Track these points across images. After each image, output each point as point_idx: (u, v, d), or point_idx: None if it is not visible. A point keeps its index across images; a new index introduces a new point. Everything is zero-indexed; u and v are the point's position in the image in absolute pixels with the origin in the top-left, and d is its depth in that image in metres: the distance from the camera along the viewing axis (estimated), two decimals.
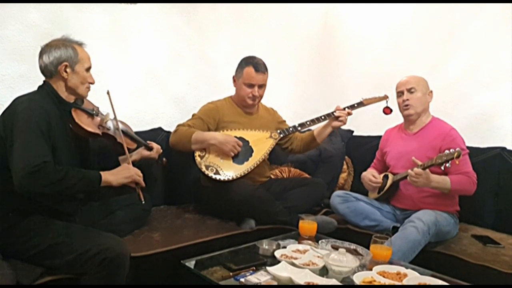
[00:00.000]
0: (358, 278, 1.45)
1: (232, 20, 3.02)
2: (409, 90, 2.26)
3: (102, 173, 1.69)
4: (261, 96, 2.45)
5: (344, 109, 2.41)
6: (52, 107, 1.70)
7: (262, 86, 2.42)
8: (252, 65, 2.37)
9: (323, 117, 2.42)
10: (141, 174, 1.82)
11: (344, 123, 2.41)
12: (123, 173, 1.76)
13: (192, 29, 2.84)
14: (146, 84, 2.68)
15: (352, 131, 3.22)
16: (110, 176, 1.71)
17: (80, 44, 1.80)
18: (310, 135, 2.53)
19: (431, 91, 2.30)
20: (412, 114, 2.28)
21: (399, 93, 2.32)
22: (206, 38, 2.91)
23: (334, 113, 2.40)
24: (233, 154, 2.25)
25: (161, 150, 2.23)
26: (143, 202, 1.82)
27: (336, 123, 2.40)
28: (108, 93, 1.94)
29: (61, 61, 1.71)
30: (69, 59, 1.72)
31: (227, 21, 3.00)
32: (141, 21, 2.61)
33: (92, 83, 1.83)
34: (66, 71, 1.72)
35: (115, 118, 1.97)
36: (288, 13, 3.33)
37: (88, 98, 1.89)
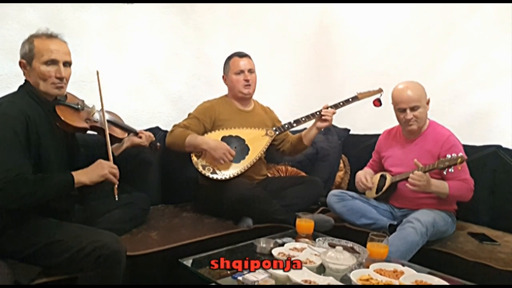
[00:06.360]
0: (355, 276, 1.46)
1: (229, 19, 3.02)
2: (413, 108, 2.16)
3: (74, 173, 1.60)
4: (253, 82, 2.46)
5: (328, 108, 2.38)
6: (33, 107, 1.62)
7: (251, 71, 2.45)
8: (235, 55, 2.49)
9: (318, 113, 2.40)
10: (116, 170, 1.71)
11: (330, 123, 2.39)
12: (96, 171, 1.65)
13: (189, 28, 2.83)
14: (144, 83, 2.68)
15: (349, 130, 3.22)
16: (83, 176, 1.62)
17: (49, 36, 1.64)
18: (298, 137, 2.51)
19: (429, 99, 2.22)
20: (416, 129, 2.22)
21: (401, 109, 2.18)
22: (204, 37, 2.91)
23: (319, 113, 2.37)
24: (223, 162, 2.23)
25: (154, 138, 2.23)
26: (116, 199, 1.72)
27: (320, 124, 2.38)
28: (97, 73, 1.83)
29: (20, 59, 1.65)
30: (25, 55, 1.63)
31: (225, 20, 3.00)
32: (138, 20, 2.61)
33: (59, 77, 1.63)
34: (26, 69, 1.65)
35: (102, 108, 1.91)
36: (285, 12, 3.33)
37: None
